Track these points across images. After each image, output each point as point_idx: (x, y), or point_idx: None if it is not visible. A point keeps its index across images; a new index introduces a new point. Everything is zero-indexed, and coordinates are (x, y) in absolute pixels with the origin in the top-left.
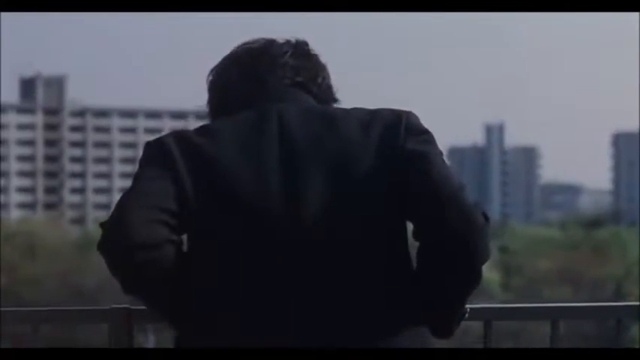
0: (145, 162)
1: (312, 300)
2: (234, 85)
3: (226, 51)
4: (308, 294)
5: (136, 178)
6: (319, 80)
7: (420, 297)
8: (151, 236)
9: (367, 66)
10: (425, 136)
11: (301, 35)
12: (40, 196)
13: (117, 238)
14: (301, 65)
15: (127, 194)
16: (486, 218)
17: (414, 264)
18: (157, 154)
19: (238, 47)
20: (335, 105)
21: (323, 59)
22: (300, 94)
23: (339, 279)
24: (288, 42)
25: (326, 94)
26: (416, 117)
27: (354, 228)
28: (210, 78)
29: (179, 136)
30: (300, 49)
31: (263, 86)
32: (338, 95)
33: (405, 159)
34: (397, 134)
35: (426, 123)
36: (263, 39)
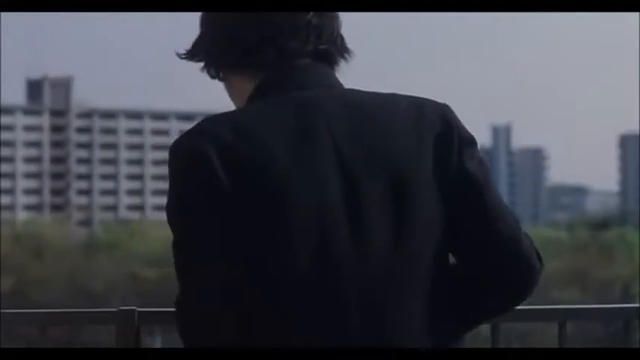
0: (184, 184)
1: (371, 325)
2: (243, 39)
3: None
4: (369, 323)
5: (184, 224)
6: (335, 34)
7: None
8: (223, 321)
9: (371, 66)
10: (476, 147)
11: None
12: (47, 197)
13: (191, 327)
14: (322, 24)
15: (187, 266)
16: (540, 261)
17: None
18: (198, 175)
19: None
20: (347, 55)
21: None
22: (328, 73)
23: (397, 309)
24: None
25: (342, 51)
26: (458, 118)
27: (415, 248)
28: (204, 16)
29: (219, 144)
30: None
31: (284, 56)
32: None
33: (461, 180)
34: (451, 146)
35: None
36: None
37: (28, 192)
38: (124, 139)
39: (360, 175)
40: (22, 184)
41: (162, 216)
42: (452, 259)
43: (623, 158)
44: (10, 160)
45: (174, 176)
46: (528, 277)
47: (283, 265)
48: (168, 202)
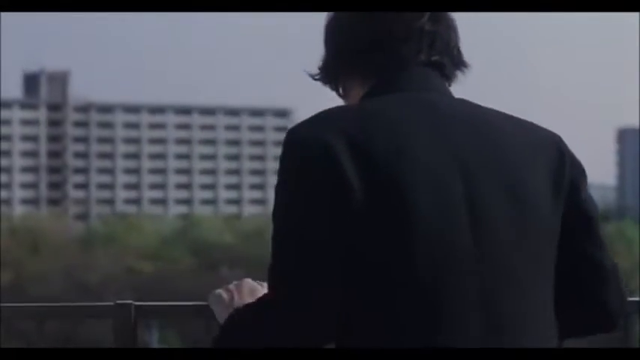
0: (307, 179)
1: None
2: (357, 41)
3: (228, 49)
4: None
5: (304, 222)
6: (451, 45)
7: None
8: (339, 322)
9: None
10: (586, 178)
11: (307, 35)
12: (44, 191)
13: (289, 323)
14: (436, 31)
15: (303, 263)
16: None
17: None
18: (325, 170)
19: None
20: (463, 69)
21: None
22: (440, 82)
23: (513, 312)
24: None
25: (458, 64)
26: (569, 149)
27: (532, 255)
28: (331, 22)
29: (347, 136)
30: (434, 12)
31: (396, 61)
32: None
33: (572, 208)
34: (564, 175)
35: None
36: None
37: (25, 186)
38: (121, 132)
39: (480, 183)
40: (19, 178)
41: (159, 210)
42: None
43: (621, 152)
44: (6, 154)
45: (294, 170)
46: (622, 311)
47: (406, 268)
48: (282, 198)
